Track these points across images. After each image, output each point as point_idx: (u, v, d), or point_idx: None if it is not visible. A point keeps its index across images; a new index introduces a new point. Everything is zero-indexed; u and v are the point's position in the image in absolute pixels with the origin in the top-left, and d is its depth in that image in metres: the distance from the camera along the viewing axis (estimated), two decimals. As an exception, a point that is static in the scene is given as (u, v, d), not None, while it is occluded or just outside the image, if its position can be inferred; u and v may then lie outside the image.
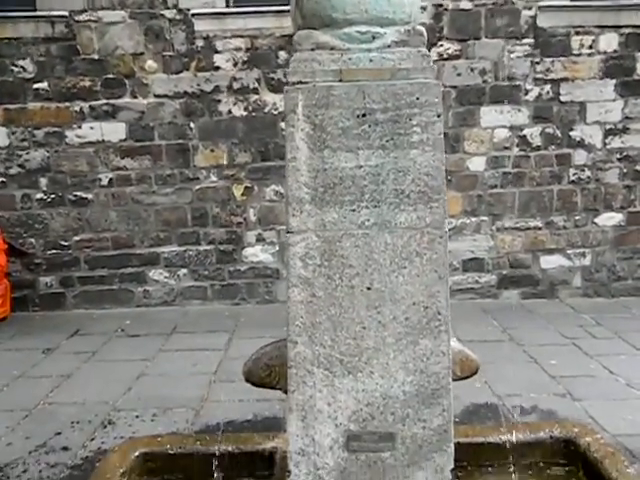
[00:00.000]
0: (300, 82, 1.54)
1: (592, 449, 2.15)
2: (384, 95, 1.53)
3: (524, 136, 5.00)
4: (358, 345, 1.56)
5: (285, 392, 1.65)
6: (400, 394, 1.58)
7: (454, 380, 1.69)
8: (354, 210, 1.54)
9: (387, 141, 1.53)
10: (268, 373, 1.74)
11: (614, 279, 5.28)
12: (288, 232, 1.56)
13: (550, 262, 5.22)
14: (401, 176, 1.53)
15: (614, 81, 4.93)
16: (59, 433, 3.06)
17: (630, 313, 4.94)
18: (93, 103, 4.84)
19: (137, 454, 2.17)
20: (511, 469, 2.11)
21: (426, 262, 1.55)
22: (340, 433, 1.58)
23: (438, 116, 1.53)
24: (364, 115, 1.53)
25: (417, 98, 1.53)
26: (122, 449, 2.21)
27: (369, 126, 1.53)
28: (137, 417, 3.23)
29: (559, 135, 5.00)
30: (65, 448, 2.91)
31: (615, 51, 4.91)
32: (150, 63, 4.83)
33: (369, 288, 1.55)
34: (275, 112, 4.88)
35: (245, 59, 4.86)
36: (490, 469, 2.18)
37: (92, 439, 2.99)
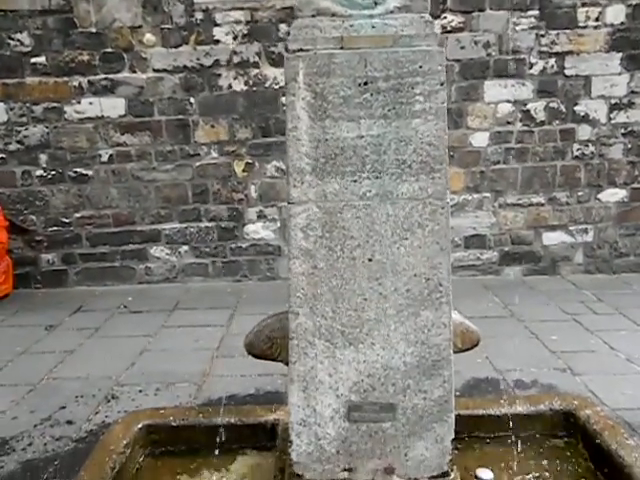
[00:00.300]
0: (301, 50, 1.51)
1: (592, 421, 2.17)
2: (386, 63, 1.49)
3: (528, 111, 4.93)
4: (359, 317, 1.56)
5: (286, 364, 1.66)
6: (401, 365, 1.58)
7: (455, 352, 1.69)
8: (355, 181, 1.53)
9: (389, 110, 1.50)
10: (269, 345, 1.74)
11: (616, 255, 5.27)
12: (289, 203, 1.54)
13: (552, 238, 5.20)
14: (403, 146, 1.51)
15: (620, 54, 4.85)
16: (63, 407, 3.09)
17: (631, 289, 4.94)
18: (92, 78, 4.77)
19: (140, 426, 2.19)
20: (510, 441, 2.13)
21: (428, 233, 1.53)
22: (341, 404, 1.59)
23: (441, 84, 1.50)
24: (366, 83, 1.50)
25: (420, 66, 1.50)
26: (125, 421, 2.23)
27: (371, 95, 1.50)
28: (140, 392, 3.26)
29: (563, 110, 4.94)
30: (69, 422, 2.95)
31: (622, 23, 4.81)
32: (149, 37, 4.75)
33: (370, 260, 1.54)
34: (276, 87, 4.81)
35: (245, 32, 4.77)
36: (490, 441, 2.21)
37: (96, 413, 3.02)
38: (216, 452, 2.06)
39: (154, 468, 2.11)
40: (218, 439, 2.09)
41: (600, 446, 2.05)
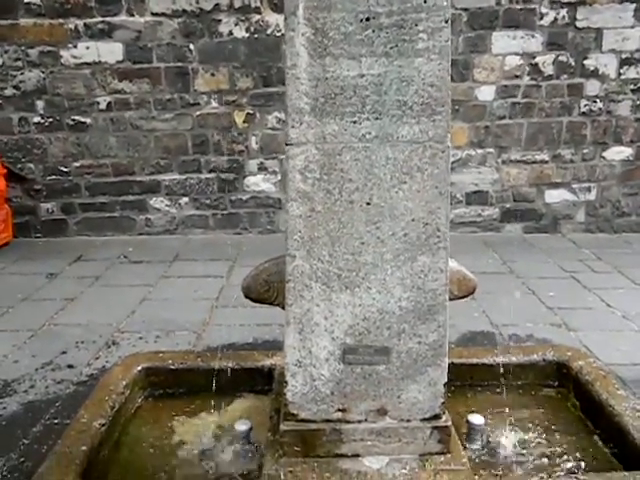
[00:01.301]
0: (300, -18, 1.44)
1: (584, 372, 2.19)
2: (390, -3, 1.43)
3: (536, 64, 4.80)
4: (356, 260, 1.55)
5: (283, 308, 1.66)
6: (396, 309, 1.58)
7: (451, 299, 1.69)
8: (355, 122, 1.49)
9: (391, 48, 1.45)
10: (267, 289, 1.74)
11: (618, 215, 5.24)
12: (287, 144, 1.51)
13: (554, 196, 5.17)
14: (404, 86, 1.46)
15: (634, 5, 4.68)
16: (64, 352, 3.14)
17: (631, 249, 4.94)
18: (88, 21, 4.63)
19: (140, 368, 2.23)
20: (502, 389, 2.17)
21: (427, 177, 1.51)
22: (336, 346, 1.60)
23: (446, 22, 1.44)
24: (367, 19, 1.44)
25: (424, 1, 1.43)
26: (125, 363, 2.27)
27: (373, 31, 1.44)
28: (140, 339, 3.30)
29: (572, 64, 4.81)
30: (70, 366, 3.00)
31: (638, -27, 4.64)
32: (146, -23, 4.59)
33: (368, 203, 1.52)
34: (278, 34, 4.67)
35: (246, -25, 4.61)
36: (482, 389, 2.24)
37: (97, 358, 3.07)
38: (214, 395, 2.10)
39: (153, 409, 2.16)
40: (216, 382, 2.12)
41: (591, 395, 2.08)
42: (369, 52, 1.45)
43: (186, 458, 1.87)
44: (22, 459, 2.23)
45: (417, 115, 1.48)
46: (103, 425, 1.87)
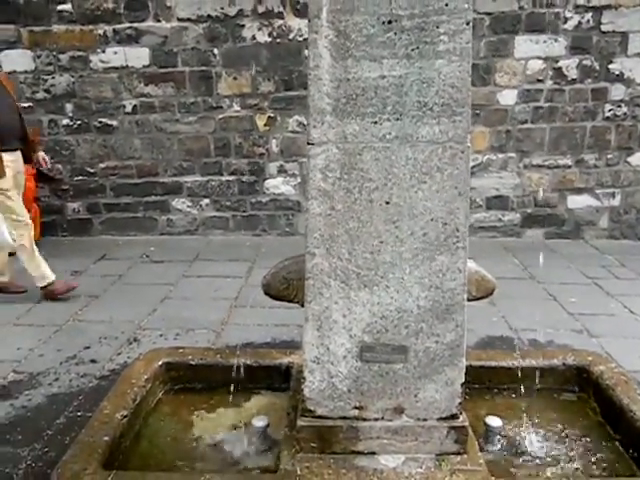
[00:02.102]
0: (324, -15, 1.47)
1: (605, 377, 2.17)
2: (411, 0, 1.45)
3: (559, 68, 4.77)
4: (375, 259, 1.57)
5: (302, 305, 1.69)
6: (414, 308, 1.59)
7: (469, 300, 1.70)
8: (376, 122, 1.51)
9: (412, 50, 1.47)
10: (286, 286, 1.77)
11: (643, 221, 5.16)
12: (309, 144, 1.54)
13: (577, 202, 5.11)
14: (425, 87, 1.48)
15: (661, 9, 4.63)
16: (88, 347, 3.21)
17: (656, 256, 4.85)
18: (117, 26, 4.75)
19: (160, 363, 2.27)
20: (521, 393, 2.15)
21: (446, 178, 1.52)
22: (354, 344, 1.62)
23: (467, 24, 1.46)
24: (389, 22, 1.47)
25: (446, 4, 1.45)
26: (146, 358, 2.31)
27: (395, 34, 1.47)
28: (161, 336, 3.36)
29: (597, 68, 4.76)
30: (93, 361, 3.07)
31: (665, -24, 4.58)
32: (172, -16, 4.68)
33: (388, 202, 1.54)
34: (300, 38, 4.72)
35: (270, -20, 4.67)
36: (501, 392, 2.23)
37: (119, 354, 3.14)
38: (232, 391, 2.12)
39: (173, 403, 2.20)
40: (234, 379, 2.15)
41: (612, 400, 2.05)
42: (391, 54, 1.48)
43: (204, 451, 1.90)
44: (46, 449, 2.29)
45: (437, 116, 1.50)
46: (125, 417, 1.92)
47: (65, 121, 4.98)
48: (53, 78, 4.88)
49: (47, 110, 4.95)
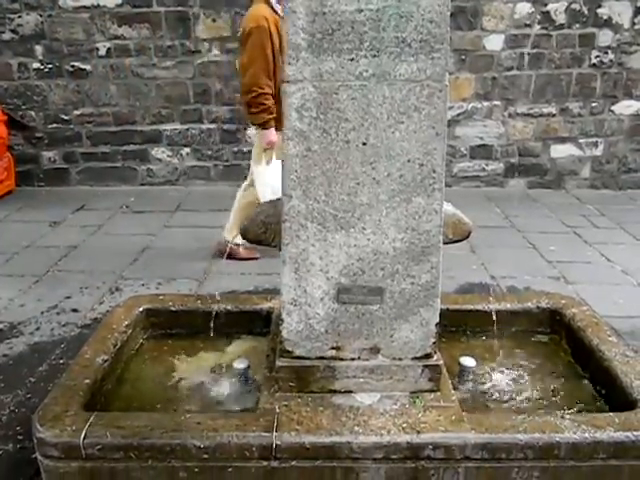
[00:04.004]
0: None
1: (576, 319, 2.22)
2: None
3: (547, 12, 4.66)
4: (351, 201, 1.56)
5: (280, 250, 1.68)
6: (390, 250, 1.60)
7: (446, 243, 1.70)
8: (352, 59, 1.46)
9: (390, -19, 1.41)
10: (264, 230, 1.76)
11: (624, 171, 5.19)
12: (284, 81, 1.49)
13: (560, 151, 5.11)
14: (403, 22, 1.43)
15: (653, -51, 4.50)
16: (69, 297, 3.21)
17: (635, 205, 4.92)
18: (84, -40, 4.51)
19: (141, 309, 2.27)
20: (496, 335, 2.20)
21: (424, 117, 1.49)
22: (331, 286, 1.63)
23: (447, -46, 1.40)
24: (367, -49, 1.40)
25: None
26: (127, 305, 2.31)
27: (372, -37, 1.40)
28: (142, 285, 3.36)
29: (585, 12, 4.66)
30: (75, 310, 3.07)
31: None
32: None
33: (364, 143, 1.52)
34: (281, -22, 4.52)
35: None
36: (476, 334, 2.28)
37: (100, 303, 3.14)
38: (213, 336, 2.14)
39: (154, 348, 2.21)
40: (215, 324, 2.16)
41: (582, 341, 2.11)
42: (368, -15, 1.42)
43: (186, 393, 1.93)
44: (29, 395, 2.32)
45: (415, 53, 1.45)
46: (106, 361, 1.93)
47: (35, 65, 4.78)
48: (20, 17, 4.65)
49: (15, 52, 4.74)
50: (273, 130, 3.25)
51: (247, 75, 3.16)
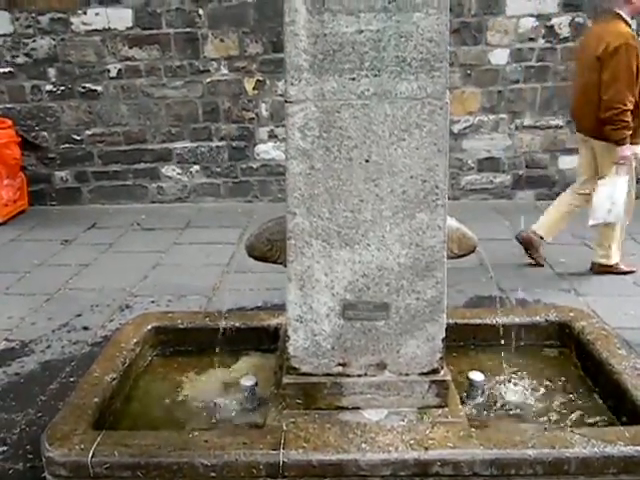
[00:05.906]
0: (298, -64, 1.43)
1: (586, 332, 2.21)
2: (388, -49, 1.42)
3: (551, 26, 4.68)
4: (355, 218, 1.57)
5: (286, 266, 1.70)
6: (395, 266, 1.61)
7: (451, 258, 1.71)
8: (354, 79, 1.49)
9: (389, 2, 1.44)
10: (269, 247, 1.77)
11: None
12: (286, 102, 1.52)
13: (568, 162, 5.08)
14: (403, 42, 1.46)
15: (656, -37, 4.51)
16: (79, 315, 3.23)
17: (646, 215, 4.86)
18: (97, -14, 4.61)
19: (150, 327, 2.30)
20: (505, 349, 2.19)
21: (425, 134, 1.51)
22: (337, 302, 1.64)
23: (445, -26, 1.42)
24: (366, -27, 1.43)
25: (423, -46, 1.42)
26: (135, 322, 2.34)
27: (371, -14, 1.43)
28: (152, 302, 3.38)
29: (589, 25, 4.67)
30: (85, 328, 3.09)
31: None
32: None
33: (367, 160, 1.54)
34: (287, -2, 4.60)
35: None
36: (485, 349, 2.27)
37: (110, 320, 3.16)
38: (221, 353, 2.15)
39: (162, 365, 2.23)
40: (223, 341, 2.18)
41: (592, 354, 2.09)
42: (368, 7, 1.45)
43: (194, 411, 1.94)
44: (39, 414, 2.33)
45: (416, 71, 1.48)
46: (114, 379, 1.95)
47: (48, 87, 4.87)
48: (34, 42, 4.76)
49: (29, 75, 4.84)
50: (629, 145, 3.30)
51: (610, 92, 3.18)
